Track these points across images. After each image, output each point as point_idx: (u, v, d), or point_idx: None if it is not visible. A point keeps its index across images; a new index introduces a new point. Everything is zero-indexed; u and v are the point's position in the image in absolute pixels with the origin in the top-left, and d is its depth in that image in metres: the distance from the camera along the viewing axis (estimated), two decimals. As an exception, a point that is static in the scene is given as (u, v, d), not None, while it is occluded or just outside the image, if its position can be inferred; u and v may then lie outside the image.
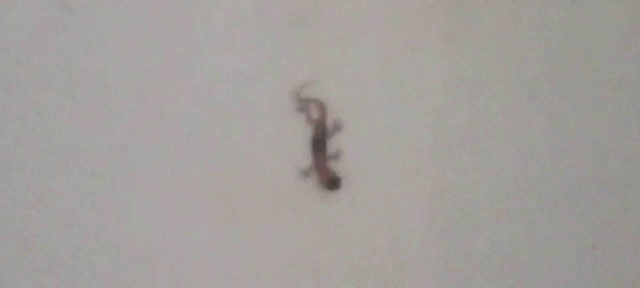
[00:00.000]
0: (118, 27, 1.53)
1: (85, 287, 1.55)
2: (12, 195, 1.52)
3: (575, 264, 1.68)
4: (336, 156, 1.59)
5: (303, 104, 1.57)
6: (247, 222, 1.59)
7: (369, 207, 1.62)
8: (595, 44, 1.66)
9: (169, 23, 1.54)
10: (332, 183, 1.57)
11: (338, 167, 1.59)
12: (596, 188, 1.68)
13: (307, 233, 1.60)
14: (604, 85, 1.66)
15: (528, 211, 1.66)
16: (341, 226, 1.61)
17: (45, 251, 1.54)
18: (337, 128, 1.59)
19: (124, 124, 1.54)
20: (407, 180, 1.63)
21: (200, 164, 1.57)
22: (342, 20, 1.59)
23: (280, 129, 1.58)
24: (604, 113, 1.67)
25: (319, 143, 1.57)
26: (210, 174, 1.57)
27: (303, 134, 1.58)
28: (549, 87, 1.65)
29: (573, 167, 1.67)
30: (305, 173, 1.58)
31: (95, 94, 1.53)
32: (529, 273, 1.67)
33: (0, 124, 1.52)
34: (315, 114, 1.57)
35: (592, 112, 1.67)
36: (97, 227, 1.55)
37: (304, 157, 1.58)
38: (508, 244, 1.66)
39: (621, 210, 1.68)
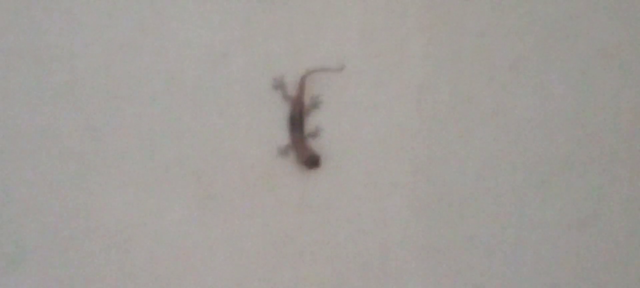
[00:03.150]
0: (85, 4, 1.47)
1: (57, 274, 1.49)
2: (-25, 180, 1.47)
3: (563, 242, 1.63)
4: (315, 134, 1.53)
5: (279, 82, 1.51)
6: (224, 204, 1.53)
7: (351, 185, 1.56)
8: (580, 15, 1.61)
9: (138, -1, 1.49)
10: (311, 161, 1.52)
11: (317, 145, 1.54)
12: (584, 165, 1.63)
13: (287, 213, 1.55)
14: (590, 57, 1.62)
15: (515, 189, 1.61)
16: (322, 206, 1.56)
17: (14, 238, 1.48)
18: (315, 105, 1.53)
19: (93, 104, 1.48)
20: (390, 157, 1.57)
21: (173, 144, 1.51)
22: (318, -5, 1.54)
23: (256, 106, 1.52)
24: (591, 86, 1.62)
25: (296, 121, 1.51)
26: (183, 155, 1.51)
27: (280, 112, 1.53)
28: (534, 60, 1.60)
29: (560, 143, 1.62)
30: (283, 152, 1.52)
31: (62, 74, 1.47)
32: (516, 252, 1.62)
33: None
34: (292, 91, 1.52)
35: (578, 85, 1.62)
36: (67, 212, 1.49)
37: (282, 135, 1.53)
38: (494, 222, 1.61)
39: (610, 186, 1.63)
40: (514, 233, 1.62)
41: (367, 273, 1.58)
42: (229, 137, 1.52)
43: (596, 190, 1.63)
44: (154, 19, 1.49)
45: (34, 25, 1.46)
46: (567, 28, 1.61)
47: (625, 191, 1.64)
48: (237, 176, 1.53)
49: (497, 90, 1.60)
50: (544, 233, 1.63)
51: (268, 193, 1.54)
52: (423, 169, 1.58)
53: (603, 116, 1.63)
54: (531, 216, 1.62)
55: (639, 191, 1.64)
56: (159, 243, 1.52)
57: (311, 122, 1.53)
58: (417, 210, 1.59)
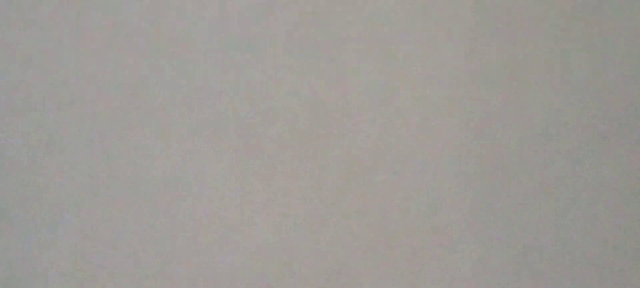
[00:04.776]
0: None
1: (100, 231, 1.48)
2: (18, 136, 1.46)
3: (625, 202, 1.55)
4: None
5: None
6: (268, 158, 1.49)
7: (398, 143, 1.52)
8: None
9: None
10: None
11: (365, 99, 1.50)
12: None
13: (333, 173, 1.50)
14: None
15: (568, 150, 1.55)
16: (369, 164, 1.51)
17: (56, 194, 1.47)
18: None
19: (136, 58, 1.48)
20: (439, 115, 1.52)
21: (218, 98, 1.49)
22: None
23: (302, 58, 1.49)
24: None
25: None
26: (228, 109, 1.49)
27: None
28: (590, 15, 1.55)
29: (620, 99, 1.55)
30: None
31: (105, 28, 1.47)
32: (568, 213, 1.54)
33: (2, 60, 1.46)
34: None
35: (637, 40, 1.55)
36: (110, 168, 1.48)
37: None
38: (546, 183, 1.54)
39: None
40: (566, 194, 1.55)
41: (415, 234, 1.52)
42: (274, 90, 1.49)
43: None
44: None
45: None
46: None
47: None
48: (281, 131, 1.49)
49: (550, 47, 1.54)
50: (597, 195, 1.55)
51: (314, 151, 1.50)
52: (473, 128, 1.53)
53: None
54: (586, 178, 1.55)
55: None
56: (202, 198, 1.49)
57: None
58: (467, 170, 1.53)
